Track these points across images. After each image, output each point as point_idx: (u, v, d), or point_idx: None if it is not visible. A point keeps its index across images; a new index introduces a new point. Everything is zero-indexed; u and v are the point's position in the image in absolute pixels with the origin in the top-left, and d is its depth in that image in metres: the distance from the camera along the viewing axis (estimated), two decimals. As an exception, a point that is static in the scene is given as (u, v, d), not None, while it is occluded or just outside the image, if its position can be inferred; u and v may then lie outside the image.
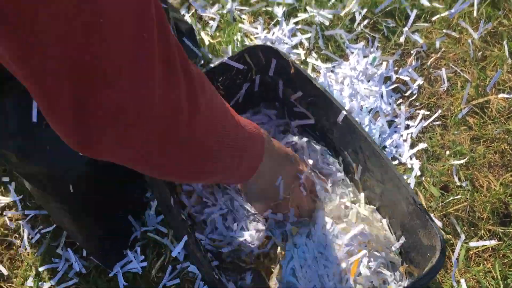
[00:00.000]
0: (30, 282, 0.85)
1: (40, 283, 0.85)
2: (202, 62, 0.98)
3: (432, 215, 0.84)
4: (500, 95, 0.93)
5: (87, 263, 0.86)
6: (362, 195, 0.76)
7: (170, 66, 0.46)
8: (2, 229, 0.90)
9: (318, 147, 0.83)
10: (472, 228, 0.85)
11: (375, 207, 0.75)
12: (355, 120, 0.68)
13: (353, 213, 0.73)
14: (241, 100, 0.81)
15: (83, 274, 0.86)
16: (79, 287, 0.85)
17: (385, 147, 0.92)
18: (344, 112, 0.68)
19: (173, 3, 1.08)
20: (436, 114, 0.93)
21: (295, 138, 0.82)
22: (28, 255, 0.88)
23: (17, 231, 0.90)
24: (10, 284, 0.87)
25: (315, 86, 0.70)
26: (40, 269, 0.86)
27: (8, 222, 0.89)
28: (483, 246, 0.83)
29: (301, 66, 0.91)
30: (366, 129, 0.91)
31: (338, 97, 0.93)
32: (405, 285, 0.65)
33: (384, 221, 0.72)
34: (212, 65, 0.77)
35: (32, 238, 0.89)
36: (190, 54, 0.92)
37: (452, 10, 0.99)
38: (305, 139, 0.81)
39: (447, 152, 0.91)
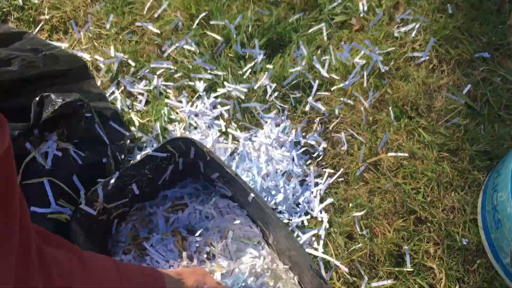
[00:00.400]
0: None
1: None
2: (129, 142, 1.08)
3: (339, 262, 1.00)
4: (389, 154, 1.11)
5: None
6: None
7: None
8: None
9: (242, 212, 0.96)
10: (373, 270, 1.01)
11: (288, 267, 0.88)
12: (262, 200, 0.82)
13: (271, 272, 0.86)
14: (168, 178, 0.93)
15: None
16: None
17: (298, 204, 1.07)
18: (252, 195, 0.81)
19: (100, 86, 1.18)
20: (339, 173, 1.10)
21: (223, 202, 0.95)
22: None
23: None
24: None
25: (227, 172, 0.83)
26: None
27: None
28: (382, 285, 0.99)
29: (216, 150, 1.05)
30: (282, 190, 1.06)
31: (255, 163, 1.07)
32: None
33: (296, 278, 0.85)
34: (138, 158, 0.89)
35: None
36: (117, 135, 1.02)
37: (346, 82, 1.18)
38: (233, 203, 0.94)
39: (350, 205, 1.07)
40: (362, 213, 1.05)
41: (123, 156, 0.97)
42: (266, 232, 0.88)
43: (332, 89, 1.20)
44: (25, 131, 0.80)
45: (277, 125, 1.14)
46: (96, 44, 1.26)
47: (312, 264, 0.75)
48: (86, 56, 1.23)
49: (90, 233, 0.84)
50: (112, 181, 0.82)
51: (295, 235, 1.04)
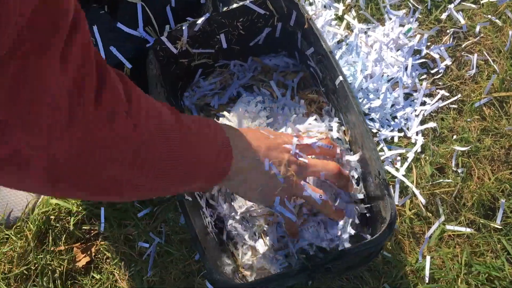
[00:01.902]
0: (49, 160, 0.96)
1: (57, 163, 0.96)
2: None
3: (418, 191, 0.88)
4: (524, 94, 0.92)
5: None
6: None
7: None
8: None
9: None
10: (454, 213, 0.88)
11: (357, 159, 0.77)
12: (349, 88, 0.70)
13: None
14: (262, 43, 0.85)
15: (95, 165, 0.96)
16: (89, 176, 0.95)
17: (395, 117, 0.95)
18: (341, 78, 0.70)
19: None
20: (455, 98, 0.94)
21: None
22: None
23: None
24: (33, 159, 0.98)
25: (322, 46, 0.72)
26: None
27: None
28: (458, 231, 0.86)
29: (325, 32, 0.93)
30: (381, 96, 0.94)
31: (362, 59, 0.95)
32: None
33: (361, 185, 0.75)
34: (233, 6, 0.80)
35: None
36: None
37: (503, -3, 0.97)
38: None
39: (454, 137, 0.92)
40: (465, 149, 0.90)
41: (223, 7, 0.89)
42: (345, 127, 0.78)
43: (481, 2, 1.00)
44: None
45: (402, 25, 0.99)
46: None
47: (381, 171, 0.65)
48: None
49: (167, 72, 0.81)
50: (199, 21, 0.76)
51: (379, 148, 0.92)
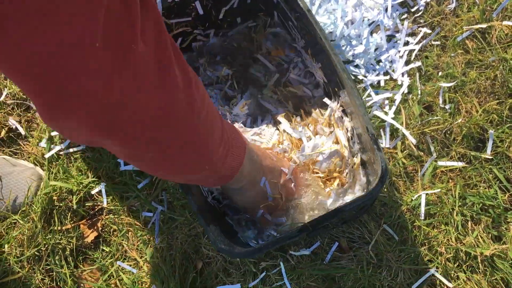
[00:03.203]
0: (43, 143, 0.98)
1: (52, 145, 0.98)
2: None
3: (408, 132, 0.89)
4: (505, 22, 0.92)
5: (93, 134, 0.96)
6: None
7: (165, 68, 0.46)
8: (21, 93, 1.01)
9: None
10: (445, 149, 0.90)
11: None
12: (330, 44, 0.70)
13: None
14: (236, 6, 0.84)
15: (89, 143, 0.97)
16: (85, 154, 0.96)
17: (380, 61, 0.95)
18: (320, 34, 0.69)
19: None
20: (435, 33, 0.94)
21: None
22: (43, 120, 0.99)
23: (34, 98, 1.00)
24: (27, 143, 0.99)
25: (298, 4, 0.71)
26: (53, 133, 0.98)
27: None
28: (451, 166, 0.88)
29: None
30: (364, 41, 0.93)
31: (341, 5, 0.94)
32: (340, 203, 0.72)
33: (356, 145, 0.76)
34: None
35: (47, 105, 1.00)
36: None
37: None
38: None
39: (440, 73, 0.93)
40: (451, 84, 0.91)
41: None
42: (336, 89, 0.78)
43: None
44: None
45: (378, -35, 0.97)
46: None
47: (369, 126, 0.65)
48: None
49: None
50: (172, -11, 0.75)
51: (366, 93, 0.93)
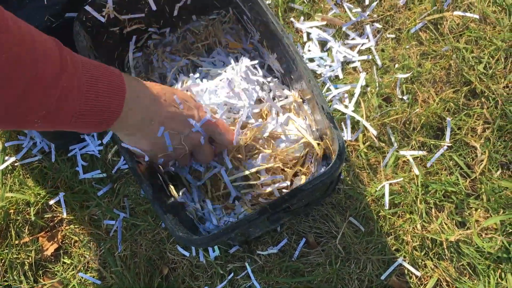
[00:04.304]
0: (-3, 155, 0.94)
1: (6, 157, 0.94)
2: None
3: (369, 123, 0.90)
4: (456, 12, 0.94)
5: (49, 143, 0.93)
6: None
7: None
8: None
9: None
10: (405, 139, 0.90)
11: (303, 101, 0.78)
12: (281, 28, 0.70)
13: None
14: (190, 2, 0.83)
15: (46, 152, 0.94)
16: (42, 164, 0.93)
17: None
18: (272, 21, 0.69)
19: None
20: (378, 26, 0.95)
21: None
22: (-4, 131, 0.96)
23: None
24: (-21, 156, 0.95)
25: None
26: (6, 144, 0.94)
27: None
28: (411, 155, 0.89)
29: None
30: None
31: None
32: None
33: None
34: None
35: None
36: None
37: None
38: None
39: (396, 66, 0.94)
40: (407, 75, 0.92)
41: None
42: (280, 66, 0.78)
43: None
44: None
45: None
46: None
47: (324, 105, 0.65)
48: None
49: (99, 42, 0.79)
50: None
51: (325, 88, 0.93)
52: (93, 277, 0.87)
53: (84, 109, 0.54)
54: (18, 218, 0.90)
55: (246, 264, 0.84)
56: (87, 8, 0.74)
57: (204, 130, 0.70)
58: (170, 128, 0.65)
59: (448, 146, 0.89)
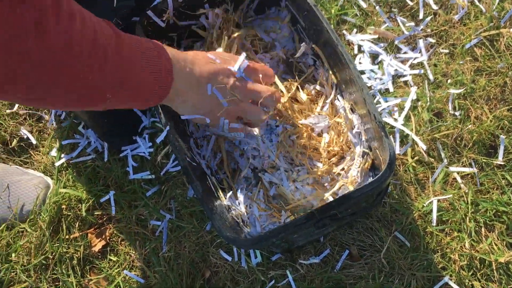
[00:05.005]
0: (54, 152, 0.98)
1: (62, 154, 0.98)
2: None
3: (418, 138, 0.89)
4: (513, 29, 0.92)
5: (102, 143, 0.97)
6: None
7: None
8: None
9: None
10: (456, 155, 0.89)
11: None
12: (336, 36, 0.71)
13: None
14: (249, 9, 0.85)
15: (99, 152, 0.97)
16: (95, 162, 0.97)
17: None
18: (326, 27, 0.70)
19: None
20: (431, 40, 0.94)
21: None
22: (54, 129, 1.00)
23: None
24: (37, 152, 1.00)
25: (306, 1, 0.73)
26: (63, 142, 0.98)
27: (39, 99, 1.01)
28: (462, 172, 0.87)
29: None
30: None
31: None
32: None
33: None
34: None
35: (59, 115, 1.01)
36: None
37: None
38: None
39: (449, 81, 0.93)
40: (460, 91, 0.91)
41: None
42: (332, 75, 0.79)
43: None
44: None
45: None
46: None
47: (376, 114, 0.65)
48: None
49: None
50: (183, -6, 0.77)
51: (375, 100, 0.93)
52: (137, 275, 0.89)
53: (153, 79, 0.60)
54: (70, 213, 0.94)
55: (288, 272, 0.84)
56: (149, 12, 0.77)
57: (246, 75, 0.72)
58: (216, 83, 0.68)
59: (500, 164, 0.86)
